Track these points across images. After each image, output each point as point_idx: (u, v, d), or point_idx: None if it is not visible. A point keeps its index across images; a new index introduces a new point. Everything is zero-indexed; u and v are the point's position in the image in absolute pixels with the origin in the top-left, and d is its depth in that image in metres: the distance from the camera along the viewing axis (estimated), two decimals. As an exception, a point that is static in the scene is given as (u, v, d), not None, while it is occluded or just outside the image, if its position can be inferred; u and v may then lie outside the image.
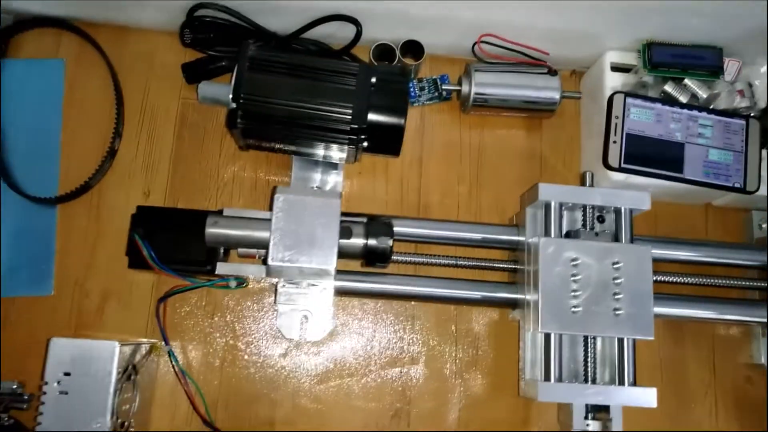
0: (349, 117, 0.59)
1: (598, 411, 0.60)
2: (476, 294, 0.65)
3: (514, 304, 0.66)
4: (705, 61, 0.68)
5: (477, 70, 0.70)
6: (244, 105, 0.58)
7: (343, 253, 0.59)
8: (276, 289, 0.62)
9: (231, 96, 0.58)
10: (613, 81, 0.69)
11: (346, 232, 0.59)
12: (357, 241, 0.60)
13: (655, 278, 0.62)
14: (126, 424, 0.56)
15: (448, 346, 0.68)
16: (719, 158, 0.67)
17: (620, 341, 0.60)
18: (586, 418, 0.60)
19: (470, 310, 0.69)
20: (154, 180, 0.68)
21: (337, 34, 0.69)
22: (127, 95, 0.69)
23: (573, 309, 0.59)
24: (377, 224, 0.62)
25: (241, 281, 0.61)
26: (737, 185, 0.67)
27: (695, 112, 0.67)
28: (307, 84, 0.59)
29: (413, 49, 0.71)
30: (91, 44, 0.70)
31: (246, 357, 0.65)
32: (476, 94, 0.70)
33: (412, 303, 0.68)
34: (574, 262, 0.60)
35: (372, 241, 0.60)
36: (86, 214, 0.66)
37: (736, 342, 0.71)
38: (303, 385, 0.65)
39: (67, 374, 0.52)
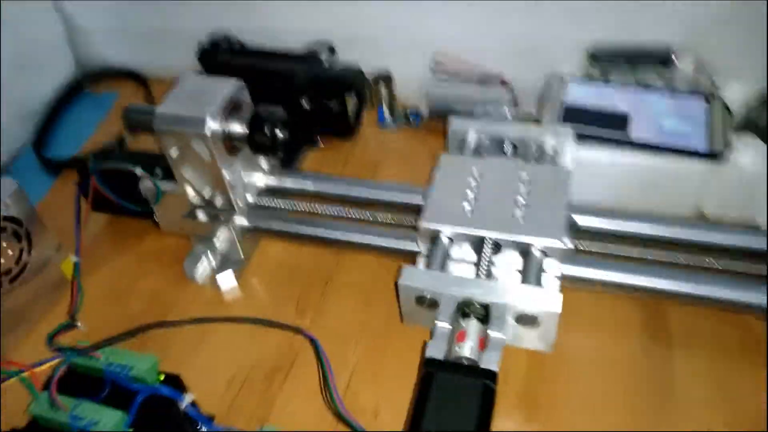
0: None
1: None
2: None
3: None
4: (652, 54, 0.67)
5: (431, 88, 0.75)
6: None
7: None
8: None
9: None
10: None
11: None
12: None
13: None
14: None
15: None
16: (675, 126, 0.60)
17: (525, 253, 0.49)
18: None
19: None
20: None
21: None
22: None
23: (465, 209, 0.51)
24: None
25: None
26: (700, 149, 0.58)
27: (644, 91, 0.64)
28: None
29: (386, 78, 0.79)
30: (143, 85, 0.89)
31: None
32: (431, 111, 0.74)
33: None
34: (476, 177, 0.54)
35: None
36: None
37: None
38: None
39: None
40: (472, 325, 0.44)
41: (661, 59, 0.66)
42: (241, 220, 0.61)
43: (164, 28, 0.87)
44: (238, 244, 0.61)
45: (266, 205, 0.63)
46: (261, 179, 0.64)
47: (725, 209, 0.59)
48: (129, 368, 0.46)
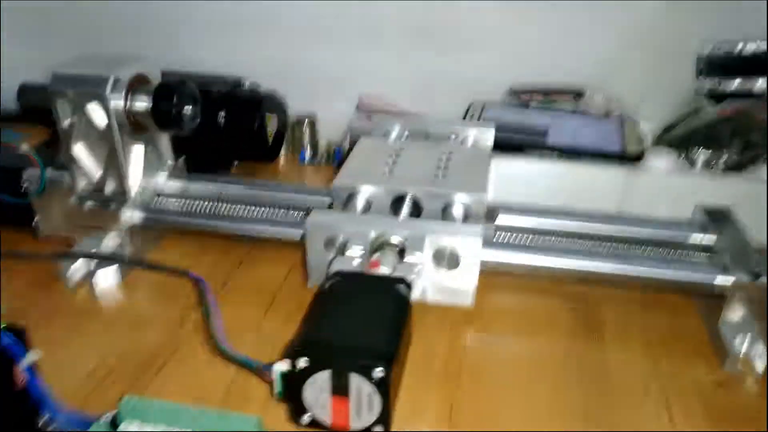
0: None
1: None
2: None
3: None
4: (566, 90, 0.70)
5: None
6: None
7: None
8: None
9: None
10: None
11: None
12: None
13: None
14: None
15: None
16: (591, 136, 0.61)
17: (446, 212, 0.45)
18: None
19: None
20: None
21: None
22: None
23: (384, 171, 0.47)
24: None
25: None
26: (615, 150, 0.58)
27: (561, 113, 0.66)
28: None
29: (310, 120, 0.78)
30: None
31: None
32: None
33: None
34: (396, 152, 0.51)
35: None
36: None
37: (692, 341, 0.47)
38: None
39: None
40: (388, 253, 0.38)
41: (575, 93, 0.69)
42: (133, 212, 0.54)
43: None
44: (127, 240, 0.54)
45: (164, 206, 0.57)
46: (162, 181, 0.58)
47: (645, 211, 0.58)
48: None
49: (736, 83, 0.65)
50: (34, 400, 0.36)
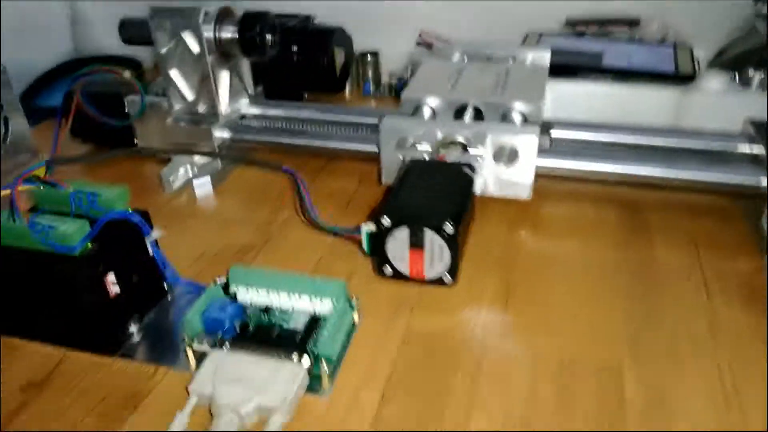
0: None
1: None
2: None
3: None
4: (621, 19, 0.72)
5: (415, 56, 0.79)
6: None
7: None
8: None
9: None
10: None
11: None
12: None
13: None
14: None
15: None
16: (645, 59, 0.64)
17: (505, 119, 0.49)
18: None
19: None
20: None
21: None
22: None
23: (447, 85, 0.52)
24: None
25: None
26: (668, 71, 0.61)
27: (615, 41, 0.68)
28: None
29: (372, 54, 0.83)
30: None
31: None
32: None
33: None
34: (458, 70, 0.56)
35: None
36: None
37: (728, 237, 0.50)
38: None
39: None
40: (453, 150, 0.43)
41: (629, 23, 0.71)
42: (222, 131, 0.61)
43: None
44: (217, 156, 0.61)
45: (249, 124, 0.63)
46: (245, 105, 0.65)
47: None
48: (97, 195, 0.44)
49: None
50: (160, 268, 0.44)
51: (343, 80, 0.78)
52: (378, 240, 0.38)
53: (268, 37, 0.59)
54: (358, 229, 0.39)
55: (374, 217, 0.38)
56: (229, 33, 0.58)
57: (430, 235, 0.36)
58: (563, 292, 0.44)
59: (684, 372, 0.38)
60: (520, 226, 0.52)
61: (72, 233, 0.39)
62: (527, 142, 0.44)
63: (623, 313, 0.42)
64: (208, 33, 0.57)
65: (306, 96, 0.77)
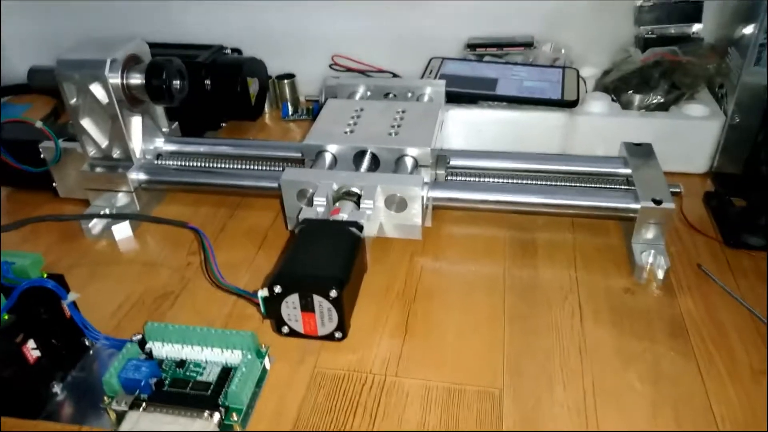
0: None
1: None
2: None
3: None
4: (517, 41, 0.77)
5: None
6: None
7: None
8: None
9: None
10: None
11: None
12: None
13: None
14: None
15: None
16: (534, 85, 0.69)
17: (399, 162, 0.54)
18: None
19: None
20: None
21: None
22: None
23: (345, 131, 0.56)
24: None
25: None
26: (554, 98, 0.66)
27: (510, 65, 0.73)
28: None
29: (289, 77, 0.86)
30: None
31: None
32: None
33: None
34: (357, 111, 0.59)
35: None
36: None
37: (606, 256, 0.57)
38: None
39: None
40: (347, 203, 0.47)
41: (525, 44, 0.77)
42: (138, 173, 0.63)
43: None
44: (134, 197, 0.63)
45: (164, 164, 0.66)
46: (160, 145, 0.67)
47: (585, 151, 0.67)
48: (10, 264, 0.46)
49: (671, 30, 0.72)
50: (78, 328, 0.47)
51: (260, 107, 0.81)
52: (273, 303, 0.41)
53: (176, 83, 0.61)
54: (255, 293, 0.43)
55: (267, 282, 0.42)
56: (136, 80, 0.60)
57: (318, 300, 0.40)
58: (456, 319, 0.50)
59: (553, 394, 0.43)
60: (421, 255, 0.56)
61: (-15, 309, 0.41)
62: (413, 193, 0.49)
63: (508, 336, 0.48)
64: (114, 80, 0.59)
65: (224, 124, 0.79)
